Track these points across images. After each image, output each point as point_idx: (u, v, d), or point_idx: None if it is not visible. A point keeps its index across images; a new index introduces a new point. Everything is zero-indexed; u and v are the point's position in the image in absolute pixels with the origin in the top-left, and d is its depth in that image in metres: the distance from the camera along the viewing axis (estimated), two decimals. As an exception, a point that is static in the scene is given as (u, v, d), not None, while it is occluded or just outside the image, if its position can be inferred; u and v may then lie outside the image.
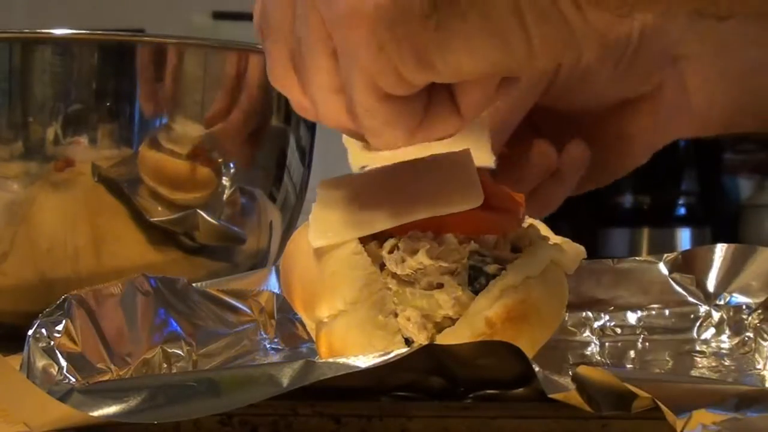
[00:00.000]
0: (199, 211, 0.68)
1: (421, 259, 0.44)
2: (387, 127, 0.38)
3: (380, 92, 0.37)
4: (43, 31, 0.64)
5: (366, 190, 0.46)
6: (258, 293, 0.60)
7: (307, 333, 0.53)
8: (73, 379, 0.43)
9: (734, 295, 0.60)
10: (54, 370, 0.43)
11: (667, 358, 0.56)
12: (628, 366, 0.55)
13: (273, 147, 0.73)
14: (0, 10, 1.95)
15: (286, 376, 0.35)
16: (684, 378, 0.45)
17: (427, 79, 0.37)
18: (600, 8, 0.34)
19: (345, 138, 0.45)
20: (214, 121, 0.67)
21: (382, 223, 0.44)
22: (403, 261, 0.44)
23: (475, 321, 0.43)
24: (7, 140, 0.63)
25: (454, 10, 0.34)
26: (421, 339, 0.44)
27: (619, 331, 0.59)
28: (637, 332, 0.59)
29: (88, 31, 0.64)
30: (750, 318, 0.58)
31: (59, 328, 0.45)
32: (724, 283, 0.60)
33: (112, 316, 0.50)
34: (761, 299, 0.58)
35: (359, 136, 0.41)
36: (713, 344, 0.58)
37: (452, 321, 0.44)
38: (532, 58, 0.35)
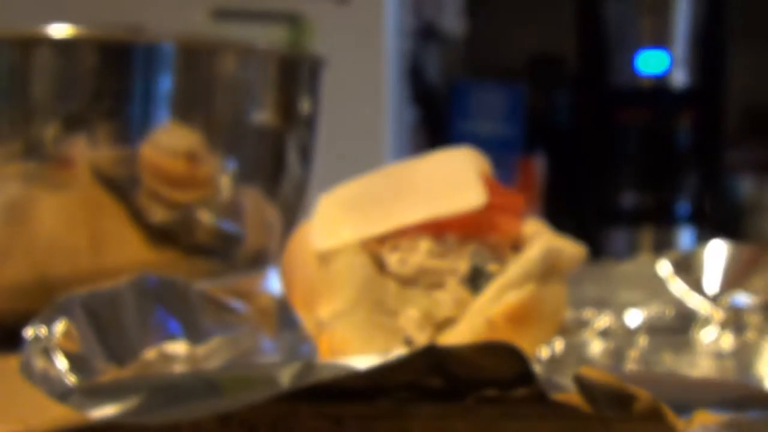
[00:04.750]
0: (198, 210, 0.68)
1: (422, 259, 0.44)
2: None
3: None
4: (43, 30, 0.64)
5: (367, 193, 0.46)
6: (258, 293, 0.60)
7: (308, 333, 0.53)
8: (73, 380, 0.43)
9: (735, 295, 0.59)
10: (53, 371, 0.42)
11: (667, 358, 0.56)
12: (629, 366, 0.55)
13: (273, 147, 0.73)
14: (-1, 8, 1.95)
15: (286, 377, 0.35)
16: (684, 378, 0.45)
17: None
18: None
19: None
20: (213, 120, 0.67)
21: (383, 224, 0.44)
22: (404, 261, 0.44)
23: (476, 321, 0.43)
24: (6, 140, 0.63)
25: None
26: (421, 339, 0.44)
27: (619, 331, 0.59)
28: (637, 332, 0.59)
29: (87, 30, 0.64)
30: (751, 318, 0.58)
31: (58, 328, 0.45)
32: (724, 283, 0.60)
33: (111, 316, 0.50)
34: (762, 299, 0.58)
35: None
36: (713, 344, 0.57)
37: (453, 321, 0.44)
38: None
